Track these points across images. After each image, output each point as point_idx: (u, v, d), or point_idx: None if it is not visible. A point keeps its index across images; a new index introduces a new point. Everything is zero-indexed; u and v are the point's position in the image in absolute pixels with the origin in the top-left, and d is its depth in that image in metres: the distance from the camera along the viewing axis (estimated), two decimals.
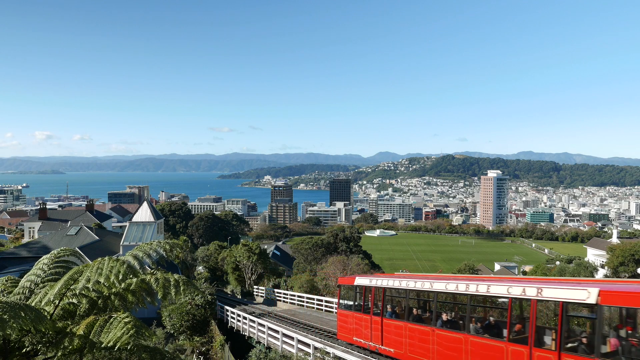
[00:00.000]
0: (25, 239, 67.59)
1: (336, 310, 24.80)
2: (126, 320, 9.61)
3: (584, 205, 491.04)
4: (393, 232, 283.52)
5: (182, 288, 10.93)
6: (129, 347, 9.68)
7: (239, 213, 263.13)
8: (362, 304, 21.32)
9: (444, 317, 16.09)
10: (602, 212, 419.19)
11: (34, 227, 69.05)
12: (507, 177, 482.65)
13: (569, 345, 12.27)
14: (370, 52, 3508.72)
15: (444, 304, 17.20)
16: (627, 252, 72.47)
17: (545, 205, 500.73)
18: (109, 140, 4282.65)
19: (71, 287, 10.59)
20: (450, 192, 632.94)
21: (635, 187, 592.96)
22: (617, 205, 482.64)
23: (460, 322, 15.81)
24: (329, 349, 21.06)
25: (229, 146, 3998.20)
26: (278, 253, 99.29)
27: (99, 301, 11.21)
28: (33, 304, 10.19)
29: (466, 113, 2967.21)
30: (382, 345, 19.41)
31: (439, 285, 16.58)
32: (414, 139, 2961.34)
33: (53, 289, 10.51)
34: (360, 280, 21.62)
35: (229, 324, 35.61)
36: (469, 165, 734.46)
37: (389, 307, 19.51)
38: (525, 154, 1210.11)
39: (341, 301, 23.58)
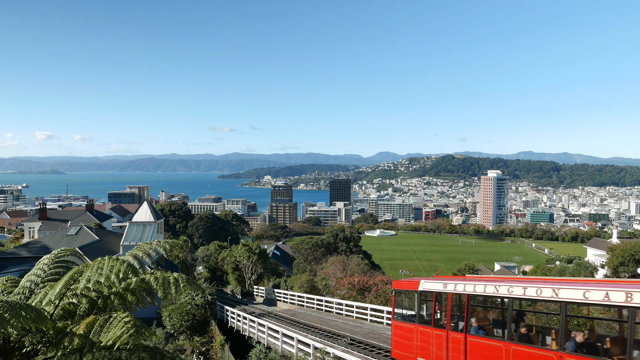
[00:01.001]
0: (25, 239, 67.60)
1: (390, 322, 20.23)
2: (126, 319, 9.63)
3: (584, 205, 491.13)
4: (393, 232, 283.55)
5: (182, 285, 10.96)
6: (128, 347, 9.70)
7: (239, 213, 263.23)
8: (432, 315, 16.86)
9: (579, 337, 11.91)
10: (602, 212, 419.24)
11: (34, 227, 69.07)
12: (507, 177, 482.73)
13: None
14: (370, 52, 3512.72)
15: (578, 320, 13.19)
16: (627, 252, 72.55)
17: (545, 205, 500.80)
18: (109, 140, 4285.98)
19: (71, 287, 10.61)
20: (450, 192, 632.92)
21: (635, 187, 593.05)
22: (617, 205, 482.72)
23: (603, 345, 11.84)
24: (329, 349, 21.05)
25: (229, 146, 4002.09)
26: (278, 253, 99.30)
27: (99, 301, 11.22)
28: (33, 304, 10.20)
29: (466, 113, 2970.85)
30: None
31: (571, 294, 12.07)
32: (414, 139, 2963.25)
33: (53, 289, 10.53)
34: (430, 285, 17.23)
35: (229, 324, 35.62)
36: (469, 165, 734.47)
37: (474, 320, 14.89)
38: (525, 154, 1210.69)
39: (397, 310, 19.20)
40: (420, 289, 17.46)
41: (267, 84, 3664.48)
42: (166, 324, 34.84)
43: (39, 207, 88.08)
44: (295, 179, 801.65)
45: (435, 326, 16.35)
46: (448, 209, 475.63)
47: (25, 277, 12.24)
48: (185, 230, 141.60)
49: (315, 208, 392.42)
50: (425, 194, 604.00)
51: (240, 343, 31.38)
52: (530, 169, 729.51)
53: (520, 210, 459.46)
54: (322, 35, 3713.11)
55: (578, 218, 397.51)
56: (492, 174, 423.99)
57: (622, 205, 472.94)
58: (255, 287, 56.66)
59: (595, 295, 11.31)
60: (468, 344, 14.72)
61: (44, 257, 12.74)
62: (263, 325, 28.41)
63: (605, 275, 76.70)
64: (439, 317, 16.55)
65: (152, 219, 53.42)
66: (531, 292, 13.10)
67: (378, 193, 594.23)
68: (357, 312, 32.77)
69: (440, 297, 16.58)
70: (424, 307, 17.49)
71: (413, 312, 18.01)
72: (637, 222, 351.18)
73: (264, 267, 60.97)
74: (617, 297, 10.86)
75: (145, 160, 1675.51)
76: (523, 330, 13.30)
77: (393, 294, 19.63)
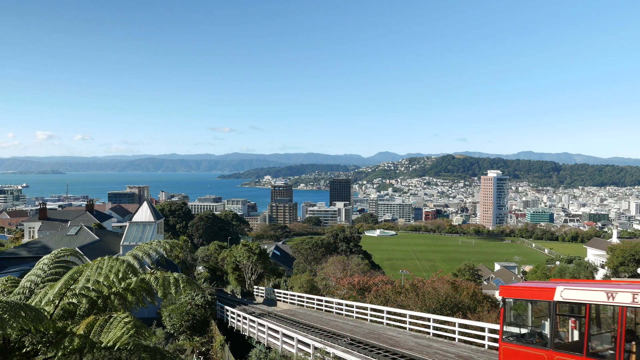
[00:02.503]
0: (25, 239, 67.59)
1: (498, 344, 14.57)
2: (126, 320, 9.63)
3: (584, 205, 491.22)
4: (393, 232, 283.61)
5: (182, 285, 10.97)
6: (128, 347, 9.70)
7: (239, 213, 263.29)
8: (583, 337, 11.75)
9: None
10: (602, 212, 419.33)
11: (34, 227, 69.05)
12: (507, 177, 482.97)
13: None
14: (370, 52, 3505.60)
15: None
16: (627, 252, 72.64)
17: (545, 205, 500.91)
18: (109, 140, 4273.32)
19: (71, 287, 10.61)
20: (450, 192, 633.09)
21: (635, 187, 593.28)
22: (617, 205, 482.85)
23: None
24: (329, 349, 21.05)
25: (229, 146, 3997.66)
26: (278, 253, 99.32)
27: (99, 301, 11.22)
28: (33, 304, 10.20)
29: (466, 113, 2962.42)
30: None
31: None
32: (414, 139, 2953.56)
33: (53, 288, 10.53)
34: (575, 293, 12.04)
35: (229, 324, 35.62)
36: (469, 165, 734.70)
37: None
38: (525, 154, 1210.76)
39: (509, 329, 13.83)
40: (557, 298, 12.44)
41: (267, 84, 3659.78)
42: (166, 324, 34.83)
43: (39, 207, 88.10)
44: (295, 179, 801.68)
45: (590, 355, 11.52)
46: (448, 209, 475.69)
47: (25, 277, 12.24)
48: (185, 230, 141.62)
49: (315, 208, 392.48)
50: (425, 194, 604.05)
51: (240, 343, 31.37)
52: (530, 169, 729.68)
53: (520, 210, 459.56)
54: (322, 35, 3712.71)
55: (578, 218, 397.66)
56: (492, 174, 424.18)
57: (622, 205, 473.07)
58: (255, 287, 56.65)
59: None
60: None
61: (44, 257, 12.75)
62: (263, 325, 28.39)
63: (605, 276, 76.71)
64: (597, 342, 11.82)
65: (152, 219, 53.41)
66: None
67: (378, 193, 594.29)
68: (357, 312, 32.76)
69: (601, 312, 11.97)
70: (564, 325, 12.72)
71: (542, 332, 13.04)
72: (637, 222, 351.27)
73: (264, 267, 60.97)
74: None
75: (145, 160, 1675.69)
76: None
77: (502, 304, 14.22)
